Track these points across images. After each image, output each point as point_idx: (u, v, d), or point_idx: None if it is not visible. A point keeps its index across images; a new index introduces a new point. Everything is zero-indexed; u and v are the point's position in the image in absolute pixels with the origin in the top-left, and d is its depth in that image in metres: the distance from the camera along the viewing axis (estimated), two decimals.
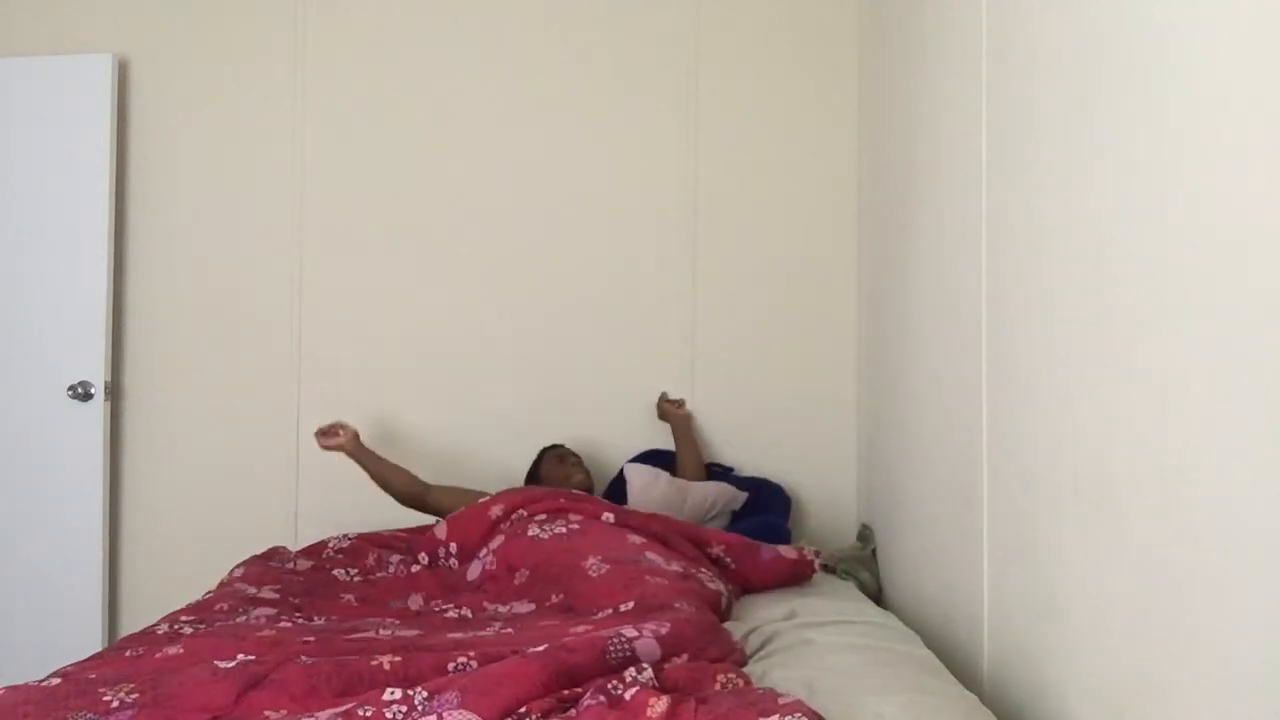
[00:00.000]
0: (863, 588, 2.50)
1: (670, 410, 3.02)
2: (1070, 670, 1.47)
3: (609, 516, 2.35)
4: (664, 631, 1.71)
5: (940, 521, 2.13)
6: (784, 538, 2.71)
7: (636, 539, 2.26)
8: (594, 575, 2.11)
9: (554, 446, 2.94)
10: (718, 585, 2.15)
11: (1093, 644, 1.39)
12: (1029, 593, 1.64)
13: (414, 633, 1.87)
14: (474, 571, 2.32)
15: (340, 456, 2.81)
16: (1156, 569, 1.21)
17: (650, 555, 2.17)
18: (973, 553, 1.89)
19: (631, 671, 1.53)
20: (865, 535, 2.83)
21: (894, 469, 2.59)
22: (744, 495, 2.90)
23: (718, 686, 1.56)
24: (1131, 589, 1.28)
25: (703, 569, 2.20)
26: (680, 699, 1.45)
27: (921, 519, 2.30)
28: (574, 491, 2.56)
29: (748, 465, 3.05)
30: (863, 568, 2.62)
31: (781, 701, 1.40)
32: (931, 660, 1.78)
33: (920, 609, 2.26)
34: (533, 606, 2.12)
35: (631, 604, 1.97)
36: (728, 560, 2.31)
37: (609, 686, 1.49)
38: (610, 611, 1.96)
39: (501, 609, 2.14)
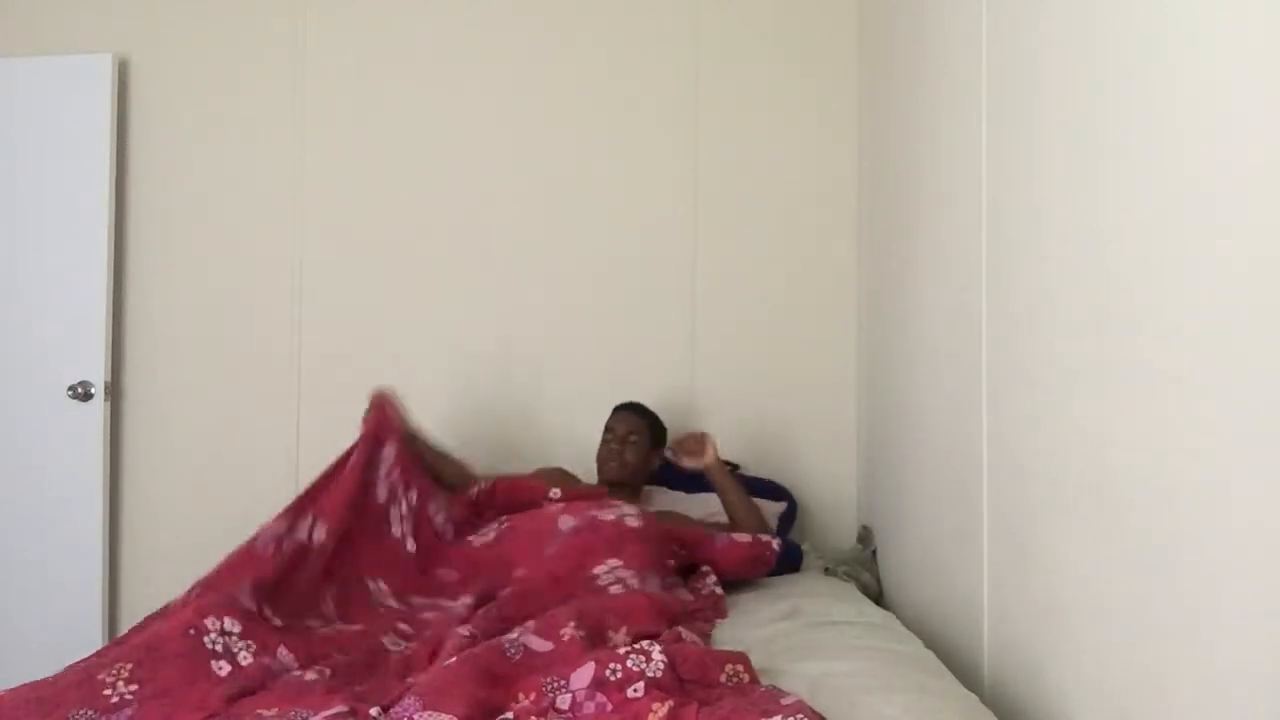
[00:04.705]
0: (863, 589, 2.50)
1: (683, 456, 2.69)
2: (1070, 670, 1.47)
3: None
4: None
5: (940, 522, 2.13)
6: (792, 550, 2.60)
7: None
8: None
9: (638, 409, 2.81)
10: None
11: (1093, 644, 1.39)
12: (1029, 593, 1.64)
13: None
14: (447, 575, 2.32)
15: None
16: (1156, 569, 1.21)
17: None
18: (973, 553, 1.89)
19: (639, 659, 1.49)
20: (865, 536, 2.83)
21: (894, 470, 2.58)
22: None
23: (723, 678, 1.55)
24: (1131, 589, 1.28)
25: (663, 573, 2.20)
26: (683, 702, 1.44)
27: (921, 520, 2.30)
28: (593, 487, 2.50)
29: (747, 465, 3.04)
30: (863, 569, 2.62)
31: (783, 702, 1.40)
32: (932, 660, 1.78)
33: (920, 609, 2.26)
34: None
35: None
36: (683, 552, 2.34)
37: (608, 672, 1.46)
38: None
39: (457, 603, 2.15)
